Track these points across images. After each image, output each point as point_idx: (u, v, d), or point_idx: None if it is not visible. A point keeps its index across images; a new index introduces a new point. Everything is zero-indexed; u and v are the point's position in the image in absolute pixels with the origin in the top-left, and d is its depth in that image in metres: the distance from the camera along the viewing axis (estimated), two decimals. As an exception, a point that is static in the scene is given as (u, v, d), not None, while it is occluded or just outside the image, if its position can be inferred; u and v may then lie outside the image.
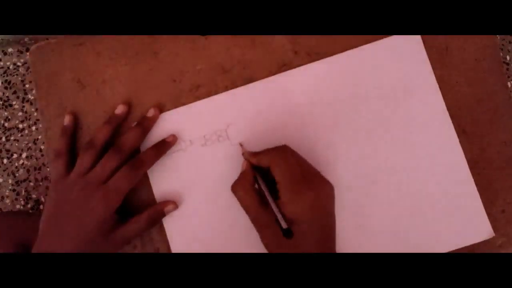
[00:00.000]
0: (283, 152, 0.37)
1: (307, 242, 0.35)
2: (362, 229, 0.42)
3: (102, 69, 0.44)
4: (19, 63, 1.09)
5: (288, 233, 0.35)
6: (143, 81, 0.44)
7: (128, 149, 0.41)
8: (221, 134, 0.43)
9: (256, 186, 0.38)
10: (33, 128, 1.07)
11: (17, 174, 1.06)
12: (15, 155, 1.06)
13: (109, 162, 0.40)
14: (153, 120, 0.43)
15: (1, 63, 1.09)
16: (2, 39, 1.06)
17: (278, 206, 0.36)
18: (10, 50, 1.09)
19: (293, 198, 0.35)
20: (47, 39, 0.46)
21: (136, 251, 0.43)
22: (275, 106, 0.43)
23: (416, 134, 0.43)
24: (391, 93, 0.43)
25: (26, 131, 1.07)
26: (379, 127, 0.43)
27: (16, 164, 1.06)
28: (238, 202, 0.38)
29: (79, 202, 0.39)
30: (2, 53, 1.09)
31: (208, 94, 0.44)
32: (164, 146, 0.42)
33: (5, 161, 1.06)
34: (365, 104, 0.43)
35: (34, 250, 0.39)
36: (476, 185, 0.43)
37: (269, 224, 0.36)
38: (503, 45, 1.04)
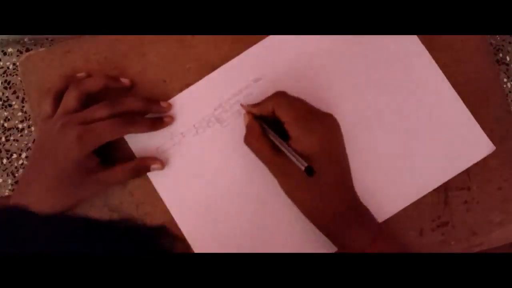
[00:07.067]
0: (283, 93, 0.39)
1: (326, 179, 0.36)
2: (371, 169, 0.43)
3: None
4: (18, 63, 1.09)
5: (309, 171, 0.35)
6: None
7: (124, 109, 0.40)
8: (210, 119, 0.43)
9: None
10: (33, 128, 1.07)
11: (16, 174, 1.06)
12: (14, 155, 1.07)
13: (99, 110, 0.39)
14: (162, 108, 0.42)
15: (1, 63, 1.09)
16: (1, 39, 1.06)
17: (290, 146, 0.37)
18: (9, 50, 1.09)
19: (303, 132, 0.37)
20: (46, 39, 0.46)
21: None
22: (255, 78, 0.44)
23: (401, 77, 0.44)
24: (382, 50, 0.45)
25: (26, 131, 1.07)
26: (370, 74, 0.44)
27: (16, 164, 1.06)
28: (244, 180, 0.41)
29: (57, 138, 0.38)
30: (2, 53, 1.09)
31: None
32: (160, 123, 0.42)
33: (4, 161, 1.06)
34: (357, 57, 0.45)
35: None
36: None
37: (286, 169, 0.37)
38: (503, 45, 1.02)
